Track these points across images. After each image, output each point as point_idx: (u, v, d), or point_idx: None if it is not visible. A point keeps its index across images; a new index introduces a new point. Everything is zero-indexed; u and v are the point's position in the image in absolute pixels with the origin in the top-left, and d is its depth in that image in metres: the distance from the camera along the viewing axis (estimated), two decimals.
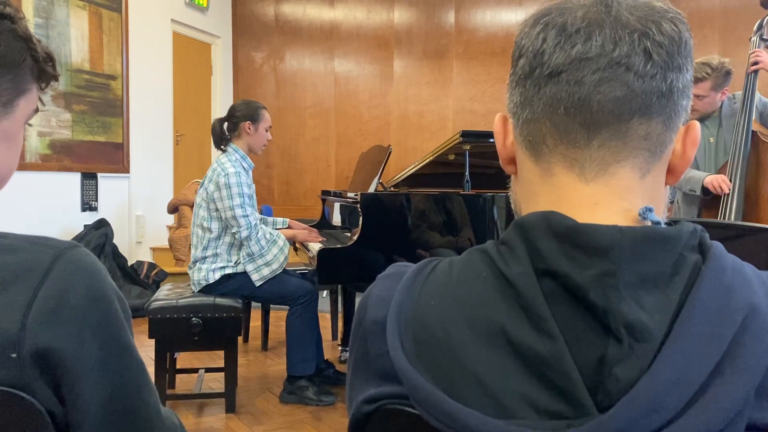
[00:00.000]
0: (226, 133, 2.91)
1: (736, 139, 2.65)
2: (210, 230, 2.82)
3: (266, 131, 2.92)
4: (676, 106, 0.55)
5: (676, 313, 0.48)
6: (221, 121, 2.92)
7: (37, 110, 0.76)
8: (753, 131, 2.66)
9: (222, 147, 2.91)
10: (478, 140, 2.91)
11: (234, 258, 2.83)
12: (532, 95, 0.57)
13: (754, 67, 2.69)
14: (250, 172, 2.89)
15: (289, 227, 3.23)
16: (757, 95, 2.73)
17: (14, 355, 0.60)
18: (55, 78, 0.76)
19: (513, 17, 6.61)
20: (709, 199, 2.75)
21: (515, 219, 0.56)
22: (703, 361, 0.46)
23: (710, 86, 2.80)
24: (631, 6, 0.54)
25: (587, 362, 0.48)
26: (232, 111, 2.92)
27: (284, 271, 2.96)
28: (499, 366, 0.50)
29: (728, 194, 2.62)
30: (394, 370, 0.54)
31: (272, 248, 2.84)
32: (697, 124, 0.58)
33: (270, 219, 3.25)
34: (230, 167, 2.77)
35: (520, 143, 0.60)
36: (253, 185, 2.90)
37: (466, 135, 2.83)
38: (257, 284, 2.80)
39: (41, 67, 0.73)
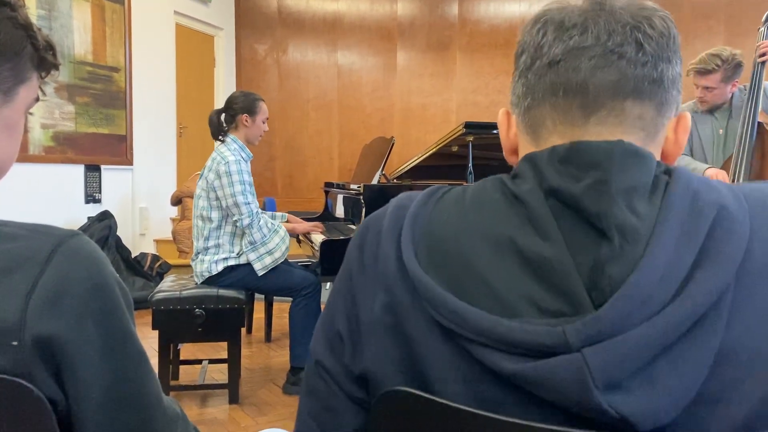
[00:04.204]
0: (224, 125, 2.91)
1: (741, 131, 2.64)
2: (210, 220, 2.82)
3: (263, 123, 2.92)
4: (667, 94, 0.60)
5: (657, 220, 0.53)
6: (219, 112, 2.92)
7: (38, 99, 0.75)
8: (759, 122, 2.65)
9: (220, 138, 2.91)
10: (482, 132, 2.90)
11: (236, 248, 2.83)
12: (534, 84, 0.61)
13: (763, 58, 2.67)
14: (249, 163, 2.89)
15: (287, 221, 3.24)
16: (766, 85, 2.71)
17: (15, 343, 0.60)
18: (56, 66, 0.75)
19: (517, 9, 6.57)
20: None
21: (526, 154, 0.61)
22: (684, 257, 0.51)
23: (720, 78, 2.79)
24: (624, 4, 0.59)
25: (584, 265, 0.52)
26: (229, 103, 2.91)
27: (287, 262, 2.96)
28: (506, 271, 0.54)
29: None
30: (401, 276, 0.58)
31: (274, 237, 2.84)
32: (688, 114, 0.63)
33: (269, 214, 3.25)
34: (230, 155, 2.77)
35: (522, 131, 0.65)
36: (251, 177, 2.90)
37: (470, 126, 2.82)
38: (260, 273, 2.80)
39: (41, 55, 0.72)
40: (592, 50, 0.58)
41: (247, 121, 2.86)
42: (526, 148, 0.63)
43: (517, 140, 0.66)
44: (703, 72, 2.81)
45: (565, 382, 0.49)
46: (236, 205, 2.74)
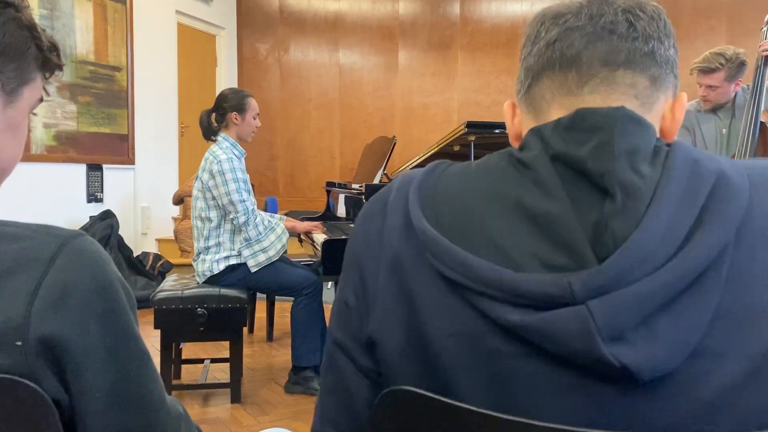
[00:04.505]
0: (215, 125, 2.92)
1: (744, 130, 2.64)
2: (209, 219, 2.82)
3: (254, 119, 2.92)
4: (661, 70, 0.62)
5: (658, 182, 0.54)
6: (209, 113, 2.93)
7: (41, 99, 0.75)
8: (762, 122, 2.64)
9: (212, 138, 2.91)
10: (483, 131, 2.89)
11: (237, 246, 2.83)
12: (532, 65, 0.66)
13: (766, 53, 2.67)
14: (243, 160, 2.89)
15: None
16: None
17: (19, 343, 0.60)
18: (60, 67, 0.75)
19: (518, 8, 6.56)
20: None
21: (531, 128, 0.63)
22: (685, 215, 0.53)
23: (724, 77, 2.78)
24: None
25: (588, 222, 0.54)
26: (218, 102, 2.91)
27: (289, 262, 2.96)
28: (511, 227, 0.56)
29: None
30: (406, 238, 0.60)
31: (270, 234, 2.84)
32: (684, 94, 0.66)
33: (267, 214, 3.25)
34: (222, 154, 2.77)
35: (525, 111, 0.68)
36: (247, 174, 2.90)
37: (471, 126, 2.81)
38: (252, 270, 2.79)
39: (46, 56, 0.73)
40: (584, 28, 0.62)
41: (236, 119, 2.86)
42: (529, 126, 0.66)
43: (521, 127, 0.70)
44: (706, 71, 2.81)
45: (571, 333, 0.51)
46: (231, 203, 2.74)
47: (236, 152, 2.85)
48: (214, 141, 2.89)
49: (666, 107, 0.64)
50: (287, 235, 2.94)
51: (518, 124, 0.70)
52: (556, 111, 0.63)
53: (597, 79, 0.61)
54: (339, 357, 0.68)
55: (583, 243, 0.53)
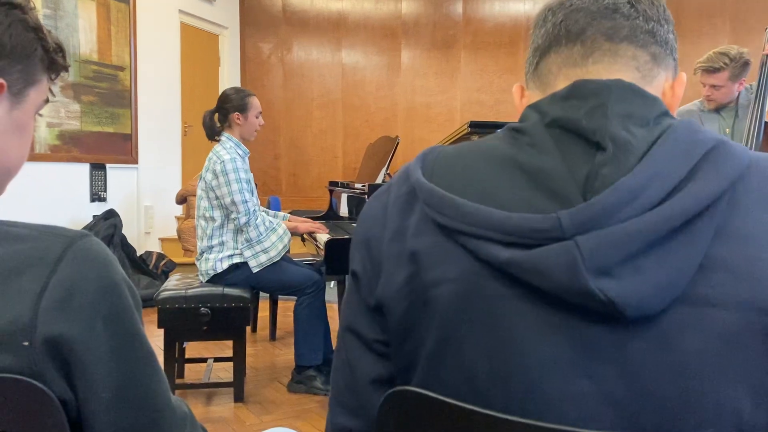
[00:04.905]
0: (218, 124, 2.92)
1: (748, 130, 2.63)
2: (213, 219, 2.83)
3: (257, 117, 2.92)
4: (661, 50, 0.66)
5: (653, 143, 0.56)
6: (211, 113, 2.93)
7: (47, 100, 0.76)
8: (765, 122, 2.64)
9: (216, 138, 2.91)
10: (486, 131, 2.89)
11: (240, 245, 2.84)
12: (540, 44, 0.70)
13: None
14: (246, 159, 2.90)
15: (289, 221, 3.24)
16: None
17: (26, 343, 0.60)
18: (66, 68, 0.76)
19: (521, 7, 6.56)
20: None
21: (529, 104, 0.66)
22: (678, 167, 0.54)
23: (728, 76, 2.77)
24: None
25: (580, 174, 0.56)
26: (220, 102, 2.92)
27: (292, 261, 2.96)
28: (505, 181, 0.59)
29: None
30: (407, 200, 0.64)
31: (271, 235, 2.84)
32: (684, 74, 0.70)
33: (271, 212, 3.26)
34: (225, 154, 2.78)
35: (532, 87, 0.72)
36: (251, 173, 2.90)
37: (474, 126, 2.81)
38: (254, 271, 2.80)
39: (52, 57, 0.73)
40: (588, 8, 0.66)
41: (239, 119, 2.87)
42: (535, 98, 0.68)
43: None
44: (710, 70, 2.80)
45: (558, 267, 0.52)
46: (234, 203, 2.75)
47: (240, 152, 2.85)
48: (218, 141, 2.90)
49: (666, 85, 0.67)
50: (289, 235, 2.94)
51: (525, 102, 0.73)
52: (562, 82, 0.66)
53: (600, 51, 0.65)
54: (347, 337, 0.70)
55: (574, 191, 0.55)
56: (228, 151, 2.80)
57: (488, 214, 0.56)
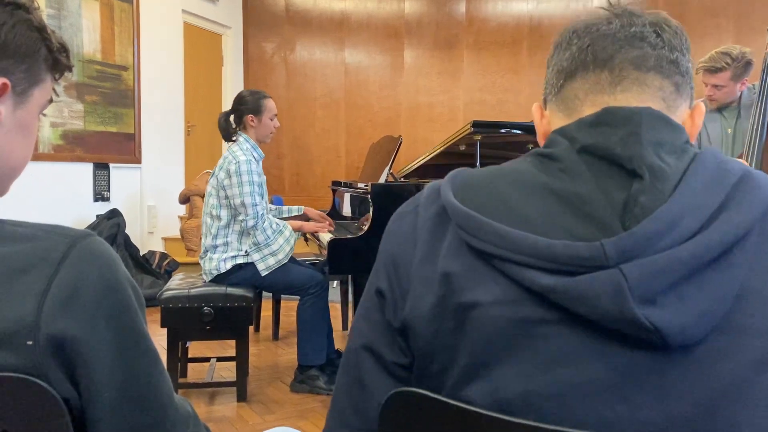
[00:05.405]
0: (233, 125, 2.92)
1: (751, 130, 2.62)
2: (219, 218, 2.83)
3: (271, 120, 2.92)
4: (683, 79, 0.67)
5: (685, 171, 0.57)
6: (227, 114, 2.94)
7: (51, 100, 0.76)
8: None
9: (233, 139, 2.91)
10: (489, 130, 2.89)
11: (244, 247, 2.84)
12: (566, 66, 0.69)
13: None
14: (260, 163, 2.90)
15: (304, 214, 3.24)
16: None
17: (30, 343, 0.60)
18: (69, 68, 0.76)
19: (524, 7, 6.55)
20: None
21: (555, 129, 0.66)
22: (712, 197, 0.55)
23: (730, 76, 2.77)
24: (641, 13, 0.68)
25: (616, 201, 0.56)
26: (236, 104, 2.93)
27: (295, 261, 2.96)
28: (541, 207, 0.59)
29: None
30: (439, 222, 0.63)
31: (278, 238, 2.84)
32: (701, 103, 0.70)
33: (285, 207, 3.26)
34: (241, 155, 2.78)
35: (556, 110, 0.71)
36: (264, 176, 2.91)
37: (477, 125, 2.81)
38: (263, 274, 2.81)
39: (55, 57, 0.73)
40: (616, 35, 0.66)
41: (253, 121, 2.87)
42: (559, 124, 0.68)
43: (550, 126, 0.72)
44: (712, 70, 2.79)
45: (605, 295, 0.52)
46: (243, 205, 2.75)
47: (256, 155, 2.86)
48: (235, 141, 2.90)
49: (686, 114, 0.68)
50: (295, 236, 2.94)
51: (547, 123, 0.73)
52: (589, 108, 0.66)
53: (629, 80, 0.65)
54: (362, 356, 0.68)
55: (612, 217, 0.55)
56: (244, 153, 2.80)
57: (531, 240, 0.56)
